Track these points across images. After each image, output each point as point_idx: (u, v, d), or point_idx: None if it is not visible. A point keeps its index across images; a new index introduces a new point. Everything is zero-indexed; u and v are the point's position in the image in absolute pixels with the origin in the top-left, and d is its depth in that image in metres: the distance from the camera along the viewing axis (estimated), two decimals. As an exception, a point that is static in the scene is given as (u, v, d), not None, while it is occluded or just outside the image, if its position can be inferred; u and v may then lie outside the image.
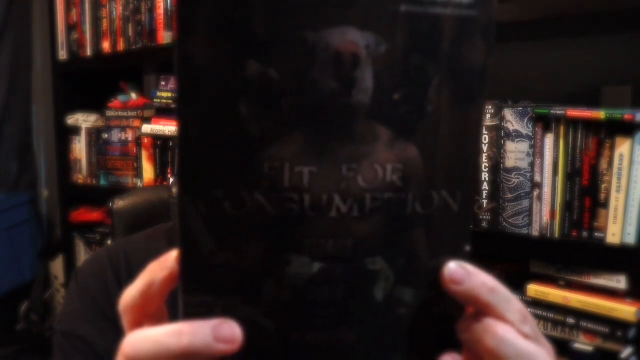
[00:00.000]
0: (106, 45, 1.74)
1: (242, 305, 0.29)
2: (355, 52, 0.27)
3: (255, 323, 0.30)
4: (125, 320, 0.31)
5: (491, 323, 0.30)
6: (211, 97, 0.27)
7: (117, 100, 1.75)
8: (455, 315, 0.32)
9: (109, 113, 1.75)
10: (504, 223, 1.01)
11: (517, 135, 0.99)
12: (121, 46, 1.69)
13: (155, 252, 0.63)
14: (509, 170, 1.00)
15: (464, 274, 0.30)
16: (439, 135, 0.30)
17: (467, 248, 0.32)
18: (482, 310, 0.31)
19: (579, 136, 0.95)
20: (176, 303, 0.29)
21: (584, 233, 0.95)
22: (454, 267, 0.31)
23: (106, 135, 1.75)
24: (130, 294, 0.30)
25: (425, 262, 0.31)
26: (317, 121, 0.28)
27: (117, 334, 0.31)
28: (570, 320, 0.97)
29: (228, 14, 0.27)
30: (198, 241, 0.28)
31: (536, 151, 0.98)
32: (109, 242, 0.72)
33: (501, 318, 0.31)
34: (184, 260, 0.29)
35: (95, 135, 1.80)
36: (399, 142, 0.29)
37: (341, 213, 0.29)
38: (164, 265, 0.29)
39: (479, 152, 0.31)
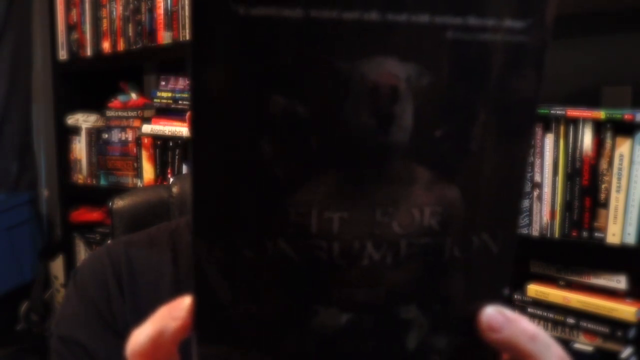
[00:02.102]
0: (106, 45, 1.74)
1: (262, 357, 0.27)
2: (394, 85, 0.24)
3: None
4: None
5: None
6: (230, 134, 0.24)
7: (117, 100, 1.75)
8: None
9: (109, 113, 1.75)
10: (504, 223, 1.01)
11: (517, 135, 0.99)
12: (121, 46, 1.69)
13: (157, 261, 0.63)
14: (509, 170, 1.00)
15: (503, 321, 0.28)
16: (483, 174, 0.27)
17: (506, 291, 0.29)
18: (520, 358, 0.29)
19: (579, 136, 0.95)
20: (189, 342, 0.28)
21: (584, 233, 0.95)
22: (492, 313, 0.28)
23: (106, 135, 1.75)
24: (138, 339, 0.28)
25: (461, 307, 0.29)
26: (349, 162, 0.25)
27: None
28: (570, 320, 0.97)
29: (250, 41, 0.23)
30: (214, 290, 0.26)
31: (536, 151, 0.98)
32: (109, 241, 0.71)
33: None
34: (198, 310, 0.26)
35: (95, 135, 1.80)
36: (439, 183, 0.27)
37: (373, 261, 0.27)
38: (176, 314, 0.27)
39: (524, 190, 0.29)
